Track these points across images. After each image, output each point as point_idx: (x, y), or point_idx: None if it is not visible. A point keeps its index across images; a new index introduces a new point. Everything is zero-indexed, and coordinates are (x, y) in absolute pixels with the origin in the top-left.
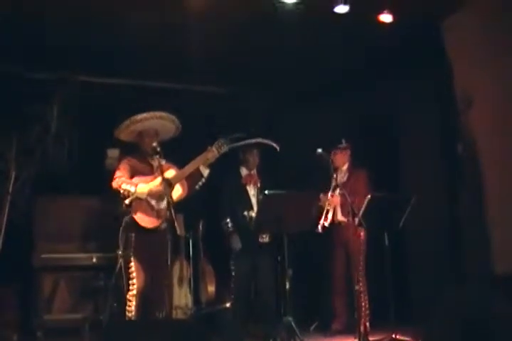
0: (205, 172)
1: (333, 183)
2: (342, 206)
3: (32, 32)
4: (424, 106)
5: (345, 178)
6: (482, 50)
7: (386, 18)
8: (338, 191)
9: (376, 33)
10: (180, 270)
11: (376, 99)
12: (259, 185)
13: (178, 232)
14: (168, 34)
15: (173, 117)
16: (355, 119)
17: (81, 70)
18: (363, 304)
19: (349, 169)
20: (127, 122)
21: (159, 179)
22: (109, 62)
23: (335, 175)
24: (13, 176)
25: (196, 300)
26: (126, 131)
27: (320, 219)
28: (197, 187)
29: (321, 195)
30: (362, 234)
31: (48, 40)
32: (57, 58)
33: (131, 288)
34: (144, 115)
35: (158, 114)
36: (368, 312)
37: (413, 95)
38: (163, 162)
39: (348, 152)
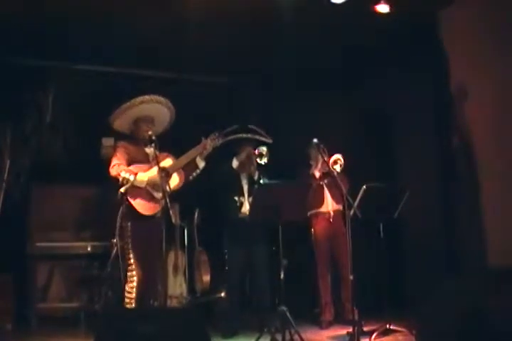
0: (201, 164)
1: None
2: (333, 194)
3: (30, 20)
4: (420, 99)
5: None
6: (479, 41)
7: (383, 8)
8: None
9: (372, 25)
10: (175, 259)
11: (372, 91)
12: (256, 174)
13: (173, 221)
14: (167, 23)
15: (168, 102)
16: (353, 111)
17: (77, 58)
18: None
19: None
20: (126, 105)
21: (155, 168)
22: (106, 50)
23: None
24: (7, 165)
25: (191, 289)
26: (123, 117)
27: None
28: (191, 177)
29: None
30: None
31: (46, 28)
32: (53, 46)
33: (130, 279)
34: (145, 97)
35: (157, 97)
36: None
37: (410, 87)
38: (158, 152)
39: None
